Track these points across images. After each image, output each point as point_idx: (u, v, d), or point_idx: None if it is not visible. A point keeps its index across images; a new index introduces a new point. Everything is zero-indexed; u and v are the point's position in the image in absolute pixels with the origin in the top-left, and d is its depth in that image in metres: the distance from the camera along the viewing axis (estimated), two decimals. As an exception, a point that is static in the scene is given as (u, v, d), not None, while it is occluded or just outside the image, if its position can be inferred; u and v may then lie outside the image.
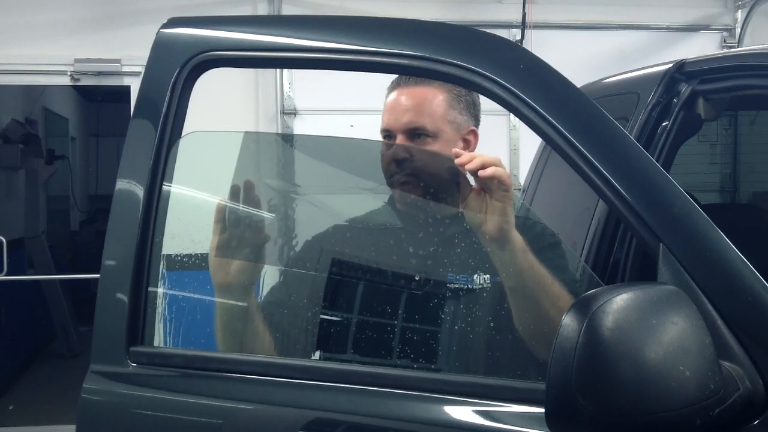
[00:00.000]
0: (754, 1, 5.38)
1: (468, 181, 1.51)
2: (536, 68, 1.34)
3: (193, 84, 1.42)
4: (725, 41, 5.51)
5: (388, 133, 1.68)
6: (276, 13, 4.92)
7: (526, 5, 5.05)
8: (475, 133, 1.73)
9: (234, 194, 1.49)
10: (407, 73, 1.62)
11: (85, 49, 4.86)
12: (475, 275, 1.54)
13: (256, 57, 1.47)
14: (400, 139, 1.65)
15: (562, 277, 1.47)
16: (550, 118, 1.26)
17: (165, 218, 1.41)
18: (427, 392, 1.26)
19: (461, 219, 1.53)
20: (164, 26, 1.44)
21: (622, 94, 2.26)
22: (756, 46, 2.11)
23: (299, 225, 1.74)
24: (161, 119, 1.39)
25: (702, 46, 5.32)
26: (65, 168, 8.66)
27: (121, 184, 1.40)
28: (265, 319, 1.57)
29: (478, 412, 1.22)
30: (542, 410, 1.06)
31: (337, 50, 1.39)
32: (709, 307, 1.13)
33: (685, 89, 1.97)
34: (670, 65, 2.03)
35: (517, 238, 1.44)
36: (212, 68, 1.43)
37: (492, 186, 1.42)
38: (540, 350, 1.42)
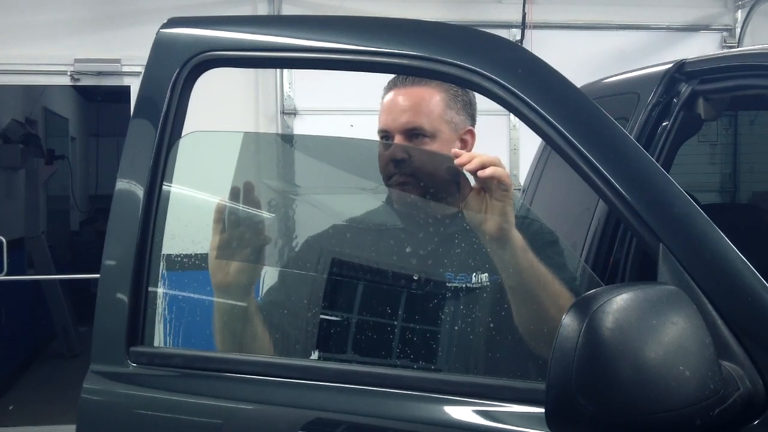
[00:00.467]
0: (754, 1, 5.38)
1: (467, 180, 1.51)
2: (536, 68, 1.34)
3: (193, 84, 1.42)
4: (725, 41, 5.51)
5: (385, 134, 1.68)
6: (276, 13, 4.92)
7: (526, 5, 5.05)
8: (472, 133, 1.73)
9: (234, 195, 1.49)
10: (407, 73, 1.62)
11: (85, 49, 4.86)
12: (475, 274, 1.54)
13: (256, 57, 1.47)
14: (398, 140, 1.65)
15: (561, 276, 1.47)
16: (550, 118, 1.26)
17: (165, 218, 1.41)
18: (427, 392, 1.26)
19: (460, 218, 1.53)
20: (164, 26, 1.44)
21: (622, 94, 2.26)
22: (756, 46, 2.11)
23: (299, 225, 1.74)
24: (161, 119, 1.39)
25: (702, 46, 5.32)
26: (65, 168, 8.66)
27: (121, 184, 1.40)
28: (264, 319, 1.57)
29: (478, 412, 1.22)
30: (542, 410, 1.06)
31: (337, 50, 1.39)
32: (709, 307, 1.13)
33: (685, 89, 1.97)
34: (670, 65, 2.03)
35: (517, 237, 1.44)
36: (212, 68, 1.43)
37: (492, 186, 1.43)
38: (540, 349, 1.42)
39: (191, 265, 1.55)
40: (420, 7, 5.06)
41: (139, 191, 1.38)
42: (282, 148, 2.22)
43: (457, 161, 1.44)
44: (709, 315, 1.12)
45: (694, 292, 1.13)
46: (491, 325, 1.55)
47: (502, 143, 5.14)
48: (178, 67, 1.40)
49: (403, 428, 1.27)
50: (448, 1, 5.26)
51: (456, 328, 1.55)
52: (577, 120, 1.27)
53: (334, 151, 1.82)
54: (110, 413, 1.39)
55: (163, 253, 1.42)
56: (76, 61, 4.85)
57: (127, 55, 4.83)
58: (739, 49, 4.77)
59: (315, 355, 1.59)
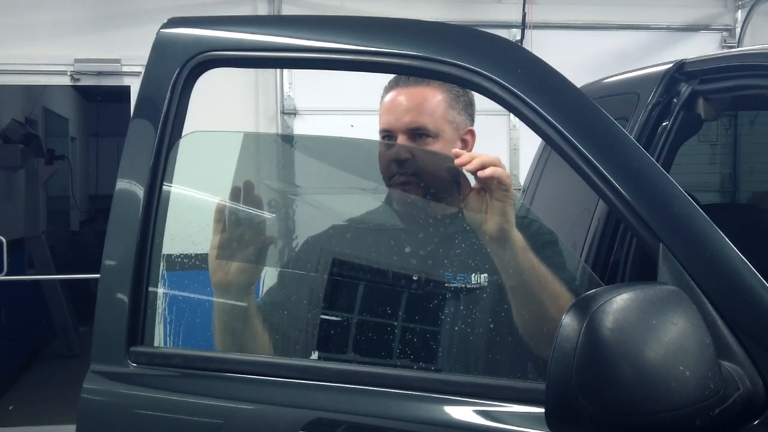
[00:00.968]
0: (754, 1, 5.38)
1: (467, 180, 1.51)
2: (536, 68, 1.34)
3: (193, 84, 1.42)
4: (725, 41, 5.51)
5: (388, 134, 1.68)
6: (276, 13, 4.92)
7: (526, 5, 5.05)
8: (472, 133, 1.74)
9: (234, 194, 1.49)
10: (407, 73, 1.62)
11: (85, 49, 4.86)
12: (475, 275, 1.54)
13: (256, 57, 1.46)
14: (401, 140, 1.65)
15: (561, 276, 1.47)
16: (550, 118, 1.26)
17: (165, 218, 1.41)
18: (427, 392, 1.26)
19: (460, 218, 1.53)
20: (164, 26, 1.44)
21: (622, 94, 2.26)
22: (756, 46, 2.11)
23: (299, 225, 1.74)
24: (161, 119, 1.39)
25: (702, 46, 5.32)
26: (65, 168, 8.66)
27: (121, 184, 1.40)
28: (264, 319, 1.57)
29: (478, 412, 1.22)
30: (542, 410, 1.06)
31: (337, 50, 1.39)
32: (709, 307, 1.13)
33: (685, 89, 1.97)
34: (670, 65, 2.03)
35: (517, 237, 1.44)
36: (212, 68, 1.43)
37: (492, 186, 1.43)
38: (541, 349, 1.42)
39: (191, 265, 1.55)
40: (420, 7, 5.06)
41: (139, 191, 1.38)
42: (282, 148, 2.22)
43: (457, 161, 1.44)
44: (709, 315, 1.12)
45: (694, 292, 1.13)
46: (491, 325, 1.56)
47: (502, 143, 5.14)
48: (178, 67, 1.40)
49: (403, 428, 1.27)
50: (448, 1, 5.26)
51: (456, 328, 1.55)
52: (577, 120, 1.27)
53: (334, 151, 1.82)
54: (110, 413, 1.39)
55: (163, 253, 1.42)
56: (76, 61, 4.85)
57: (127, 55, 4.83)
58: (739, 49, 4.77)
59: (315, 356, 1.59)
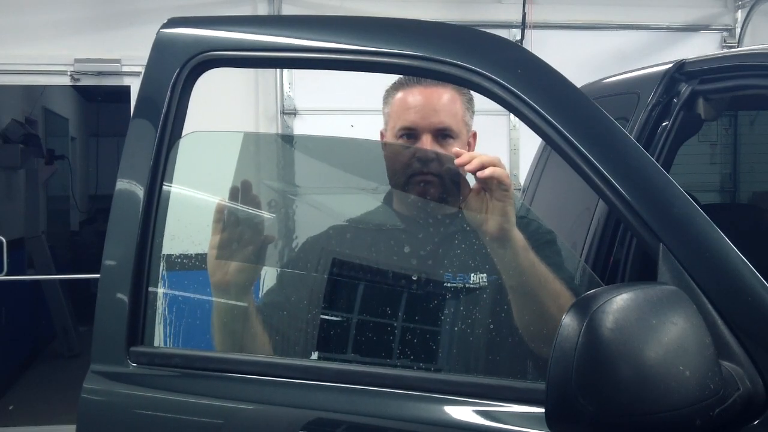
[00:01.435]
0: (754, 1, 5.38)
1: (465, 178, 1.51)
2: (536, 68, 1.34)
3: (193, 84, 1.42)
4: (725, 41, 5.51)
5: (410, 132, 1.66)
6: (276, 13, 4.92)
7: (526, 5, 5.05)
8: (475, 136, 1.75)
9: (232, 194, 1.49)
10: (407, 73, 1.62)
11: (85, 49, 4.86)
12: (475, 275, 1.54)
13: (256, 57, 1.46)
14: (426, 139, 1.64)
15: (560, 275, 1.47)
16: (550, 118, 1.26)
17: (165, 218, 1.41)
18: (427, 392, 1.26)
19: (461, 218, 1.53)
20: (164, 26, 1.44)
21: (622, 94, 2.26)
22: (756, 46, 2.11)
23: (299, 225, 1.74)
24: (161, 119, 1.39)
25: (702, 46, 5.32)
26: (65, 168, 8.66)
27: (121, 184, 1.40)
28: (263, 319, 1.57)
29: (478, 412, 1.22)
30: (542, 410, 1.06)
31: (337, 50, 1.39)
32: (709, 307, 1.13)
33: (685, 89, 1.97)
34: (670, 65, 2.03)
35: (518, 236, 1.44)
36: (212, 68, 1.43)
37: (492, 186, 1.43)
38: (541, 349, 1.42)
39: (191, 265, 1.55)
40: (420, 7, 5.06)
41: (139, 191, 1.38)
42: (282, 148, 2.22)
43: (457, 161, 1.44)
44: (709, 315, 1.12)
45: (694, 292, 1.13)
46: (491, 325, 1.56)
47: (502, 143, 5.14)
48: (178, 67, 1.40)
49: (403, 428, 1.27)
50: (448, 1, 5.26)
51: (456, 328, 1.55)
52: (577, 120, 1.27)
53: (334, 151, 1.82)
54: (110, 413, 1.39)
55: (163, 253, 1.42)
56: (76, 61, 4.85)
57: (127, 55, 4.83)
58: (739, 49, 4.77)
59: (314, 356, 1.59)
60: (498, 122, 4.99)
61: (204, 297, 1.58)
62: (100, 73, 4.92)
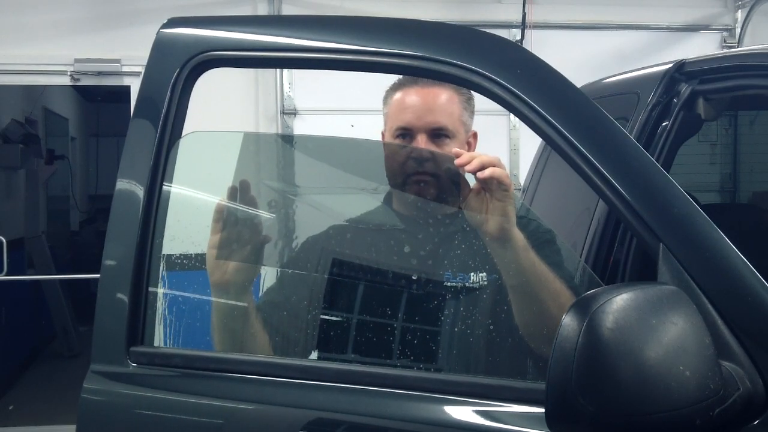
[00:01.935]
0: (754, 1, 5.38)
1: (467, 181, 1.51)
2: (536, 68, 1.34)
3: (193, 84, 1.42)
4: (725, 41, 5.51)
5: (406, 132, 1.66)
6: (276, 13, 4.92)
7: (526, 5, 5.05)
8: (475, 136, 1.75)
9: (231, 193, 1.49)
10: (407, 73, 1.62)
11: (85, 49, 4.86)
12: (475, 274, 1.54)
13: (256, 57, 1.46)
14: (421, 139, 1.64)
15: (561, 274, 1.47)
16: (550, 118, 1.26)
17: (165, 218, 1.41)
18: (427, 392, 1.26)
19: (460, 218, 1.53)
20: (164, 26, 1.44)
21: (622, 94, 2.26)
22: (756, 46, 2.11)
23: (299, 225, 1.74)
24: (161, 119, 1.39)
25: (702, 46, 5.32)
26: (65, 168, 8.66)
27: (121, 184, 1.40)
28: (263, 319, 1.57)
29: (478, 412, 1.22)
30: (542, 410, 1.06)
31: (337, 50, 1.39)
32: (709, 307, 1.13)
33: (685, 89, 1.97)
34: (670, 65, 2.03)
35: (518, 236, 1.44)
36: (212, 68, 1.43)
37: (492, 186, 1.43)
38: (542, 348, 1.42)
39: (191, 265, 1.55)
40: (420, 7, 5.06)
41: (140, 191, 1.38)
42: (282, 148, 2.22)
43: (457, 161, 1.44)
44: (709, 315, 1.12)
45: (694, 292, 1.13)
46: (491, 325, 1.56)
47: (502, 143, 5.14)
48: (178, 67, 1.40)
49: (403, 428, 1.27)
50: (448, 1, 5.26)
51: (456, 328, 1.55)
52: (577, 120, 1.27)
53: (334, 151, 1.82)
54: (110, 413, 1.39)
55: (163, 253, 1.42)
56: (76, 61, 4.85)
57: (127, 55, 4.83)
58: (739, 49, 4.77)
59: (314, 355, 1.59)
60: (498, 122, 4.99)
61: (204, 297, 1.58)
62: (100, 73, 4.92)
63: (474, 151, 1.72)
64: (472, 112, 1.72)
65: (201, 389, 1.35)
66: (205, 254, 1.51)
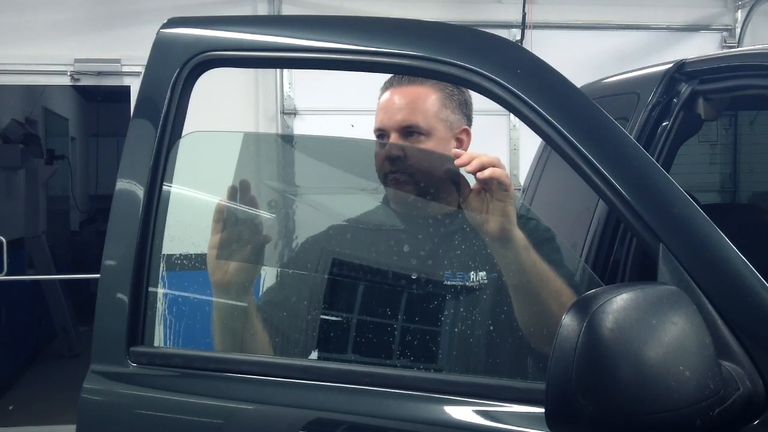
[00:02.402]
0: (754, 1, 5.38)
1: (467, 181, 1.51)
2: (536, 68, 1.34)
3: (193, 84, 1.42)
4: (725, 41, 5.51)
5: (381, 132, 1.69)
6: (276, 13, 4.92)
7: (526, 5, 5.05)
8: (467, 132, 1.74)
9: (231, 194, 1.49)
10: (407, 73, 1.62)
11: (85, 49, 4.86)
12: (474, 274, 1.54)
13: (256, 57, 1.47)
14: (393, 138, 1.66)
15: (560, 272, 1.47)
16: (550, 118, 1.26)
17: (165, 218, 1.41)
18: (427, 392, 1.26)
19: (459, 218, 1.53)
20: (164, 26, 1.44)
21: (622, 94, 2.26)
22: (756, 46, 2.11)
23: (299, 225, 1.74)
24: (161, 119, 1.39)
25: (702, 46, 5.32)
26: (65, 168, 8.66)
27: (121, 184, 1.40)
28: (263, 319, 1.57)
29: (478, 412, 1.22)
30: (542, 410, 1.06)
31: (337, 50, 1.39)
32: (709, 307, 1.13)
33: (685, 89, 1.97)
34: (670, 65, 2.03)
35: (519, 236, 1.44)
36: (212, 68, 1.43)
37: (492, 186, 1.43)
38: (542, 348, 1.42)
39: (191, 265, 1.55)
40: (420, 7, 5.06)
41: (140, 191, 1.38)
42: (282, 148, 2.22)
43: (457, 162, 1.45)
44: (709, 315, 1.12)
45: (694, 292, 1.13)
46: (491, 324, 1.55)
47: (502, 143, 5.14)
48: (178, 67, 1.40)
49: (403, 428, 1.27)
50: (448, 1, 5.26)
51: (455, 328, 1.55)
52: (577, 120, 1.27)
53: (334, 151, 1.82)
54: (110, 413, 1.39)
55: (163, 253, 1.42)
56: (76, 61, 4.84)
57: (127, 55, 4.83)
58: (739, 49, 4.77)
59: (314, 355, 1.59)
60: (498, 122, 4.99)
61: (204, 297, 1.58)
62: (100, 73, 4.92)
63: (467, 148, 1.72)
64: (457, 108, 1.71)
65: (201, 389, 1.35)
66: (205, 254, 1.51)
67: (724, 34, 5.52)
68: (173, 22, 1.45)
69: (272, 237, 1.59)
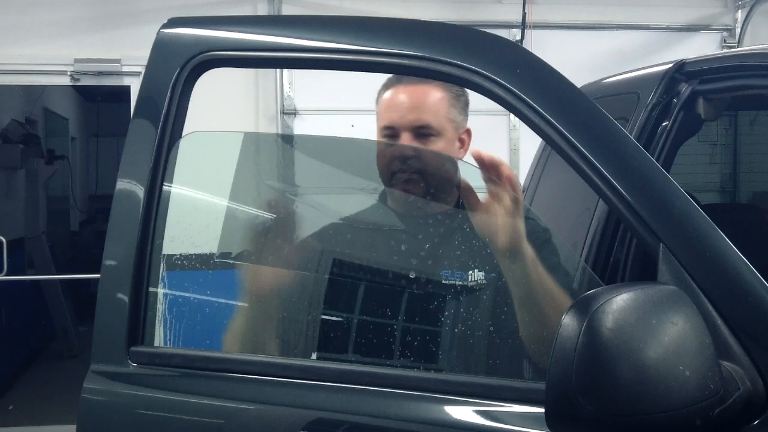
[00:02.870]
0: (754, 1, 5.38)
1: (467, 180, 1.51)
2: (536, 68, 1.34)
3: (194, 84, 1.42)
4: (725, 41, 5.51)
5: (391, 131, 1.67)
6: (276, 13, 4.92)
7: (526, 5, 5.05)
8: (469, 133, 1.74)
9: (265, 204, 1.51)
10: (407, 73, 1.61)
11: (85, 49, 4.86)
12: (473, 273, 1.54)
13: (257, 57, 1.46)
14: (405, 137, 1.64)
15: (559, 277, 1.47)
16: (550, 118, 1.26)
17: (165, 218, 1.41)
18: (427, 392, 1.26)
19: (459, 217, 1.53)
20: (164, 26, 1.44)
21: (622, 94, 2.26)
22: (756, 46, 2.11)
23: (298, 225, 1.74)
24: (161, 119, 1.39)
25: (702, 46, 5.32)
26: (65, 168, 8.66)
27: (122, 184, 1.40)
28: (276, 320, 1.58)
29: (478, 412, 1.22)
30: (542, 410, 1.06)
31: (337, 50, 1.39)
32: (709, 307, 1.13)
33: (685, 89, 1.97)
34: (670, 65, 2.03)
35: (528, 251, 1.44)
36: (212, 68, 1.43)
37: (502, 193, 1.43)
38: (543, 354, 1.42)
39: (191, 265, 1.55)
40: (420, 7, 5.06)
41: (140, 191, 1.38)
42: (282, 148, 2.22)
43: (479, 162, 1.44)
44: (709, 315, 1.12)
45: (694, 292, 1.13)
46: (490, 324, 1.55)
47: (502, 143, 5.14)
48: (179, 67, 1.40)
49: (403, 428, 1.27)
50: (448, 1, 5.26)
51: (455, 329, 1.55)
52: (577, 120, 1.27)
53: (334, 151, 1.82)
54: (111, 413, 1.39)
55: (163, 253, 1.42)
56: (76, 61, 4.85)
57: (127, 55, 4.83)
58: (739, 49, 4.77)
59: (314, 355, 1.59)
60: (498, 122, 4.98)
61: (204, 297, 1.58)
62: (100, 73, 4.92)
63: (467, 148, 1.72)
64: (462, 109, 1.71)
65: (201, 389, 1.36)
66: (204, 254, 1.51)
67: (724, 34, 5.52)
68: (173, 22, 1.45)
69: (275, 237, 1.59)
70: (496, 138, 5.04)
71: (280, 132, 4.98)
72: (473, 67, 1.30)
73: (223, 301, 1.54)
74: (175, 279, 1.51)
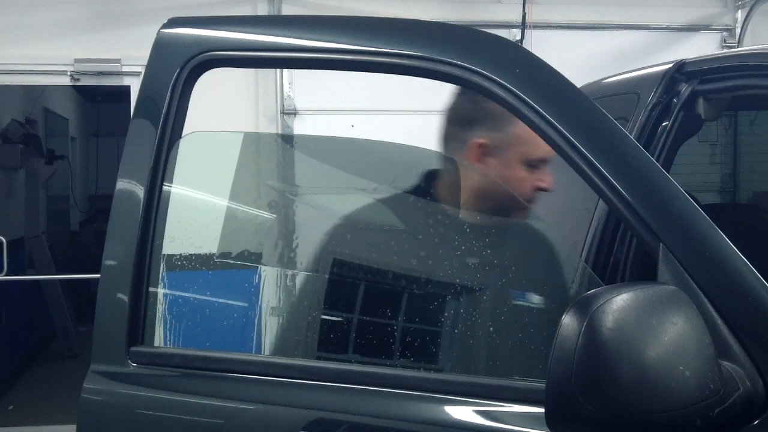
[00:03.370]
0: (754, 1, 5.38)
1: None
2: (536, 68, 1.34)
3: (194, 84, 1.43)
4: (725, 41, 5.51)
5: (544, 162, 1.69)
6: (276, 13, 4.92)
7: (526, 5, 5.05)
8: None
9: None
10: (407, 73, 1.61)
11: (85, 49, 4.86)
12: (476, 277, 1.54)
13: (257, 57, 1.47)
14: (545, 169, 1.69)
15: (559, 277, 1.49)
16: (550, 119, 1.26)
17: (165, 218, 1.41)
18: (427, 392, 1.26)
19: (461, 219, 1.53)
20: (164, 26, 1.44)
21: (622, 94, 2.26)
22: (756, 46, 2.10)
23: (299, 226, 1.74)
24: (161, 119, 1.39)
25: (702, 46, 5.32)
26: (65, 168, 8.66)
27: (122, 184, 1.40)
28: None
29: (478, 412, 1.22)
30: (542, 410, 1.06)
31: (337, 50, 1.39)
32: (709, 307, 1.13)
33: (685, 89, 1.96)
34: (670, 65, 2.03)
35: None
36: (212, 68, 1.43)
37: None
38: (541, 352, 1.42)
39: (191, 265, 1.55)
40: (420, 7, 5.06)
41: (140, 191, 1.38)
42: (282, 148, 2.22)
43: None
44: (709, 315, 1.12)
45: (694, 292, 1.13)
46: (490, 325, 1.55)
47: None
48: (179, 67, 1.40)
49: (403, 428, 1.27)
50: (448, 1, 5.25)
51: (456, 330, 1.55)
52: (576, 120, 1.27)
53: (334, 151, 1.82)
54: (110, 413, 1.39)
55: (163, 253, 1.42)
56: (76, 61, 4.84)
57: (127, 55, 4.83)
58: (739, 49, 4.77)
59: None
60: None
61: (204, 297, 1.58)
62: (100, 73, 4.92)
63: None
64: None
65: (201, 389, 1.36)
66: (204, 254, 1.51)
67: (724, 34, 5.52)
68: (173, 22, 1.45)
69: (278, 239, 1.60)
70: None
71: (280, 132, 4.97)
72: (473, 67, 1.30)
73: (223, 301, 1.54)
74: (175, 279, 1.51)
